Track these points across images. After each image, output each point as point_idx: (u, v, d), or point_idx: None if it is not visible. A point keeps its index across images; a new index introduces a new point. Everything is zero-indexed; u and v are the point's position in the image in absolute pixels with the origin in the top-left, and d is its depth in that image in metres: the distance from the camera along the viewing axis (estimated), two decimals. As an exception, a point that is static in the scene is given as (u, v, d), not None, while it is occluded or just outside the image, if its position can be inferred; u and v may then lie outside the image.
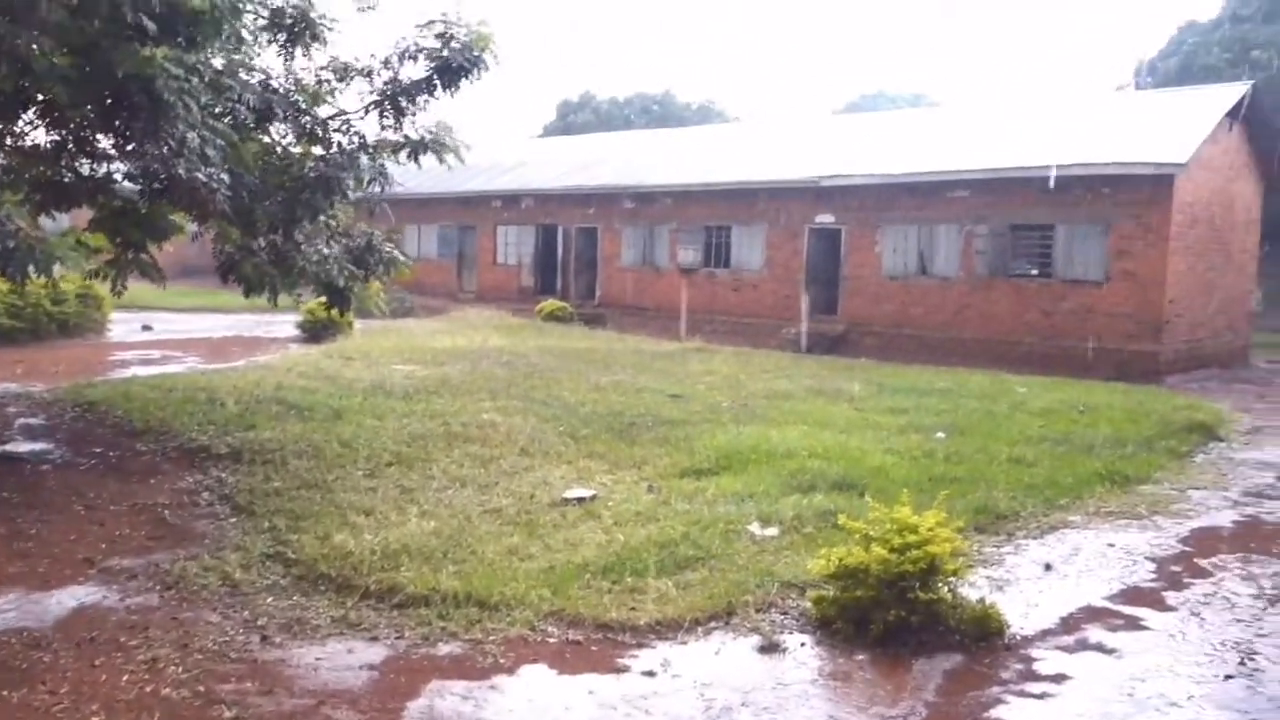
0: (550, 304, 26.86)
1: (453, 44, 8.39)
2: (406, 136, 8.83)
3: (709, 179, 26.64)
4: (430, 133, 8.78)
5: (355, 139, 8.93)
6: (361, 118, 9.01)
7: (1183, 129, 20.12)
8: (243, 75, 8.01)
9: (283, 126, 8.85)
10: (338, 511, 7.75)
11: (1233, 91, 21.90)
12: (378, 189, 9.12)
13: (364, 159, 8.69)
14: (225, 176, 7.07)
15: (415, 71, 8.94)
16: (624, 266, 28.53)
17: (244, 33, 8.30)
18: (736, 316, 25.11)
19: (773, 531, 7.50)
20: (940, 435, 11.42)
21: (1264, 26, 33.95)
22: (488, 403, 12.37)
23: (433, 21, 8.55)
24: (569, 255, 30.01)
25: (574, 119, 53.28)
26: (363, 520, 7.55)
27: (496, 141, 39.45)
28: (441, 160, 8.93)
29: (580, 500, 8.33)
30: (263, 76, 8.63)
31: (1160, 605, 6.37)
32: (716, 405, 13.05)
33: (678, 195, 27.05)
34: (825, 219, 23.92)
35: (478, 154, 32.70)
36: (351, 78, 9.15)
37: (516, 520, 7.75)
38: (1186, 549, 7.68)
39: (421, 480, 8.81)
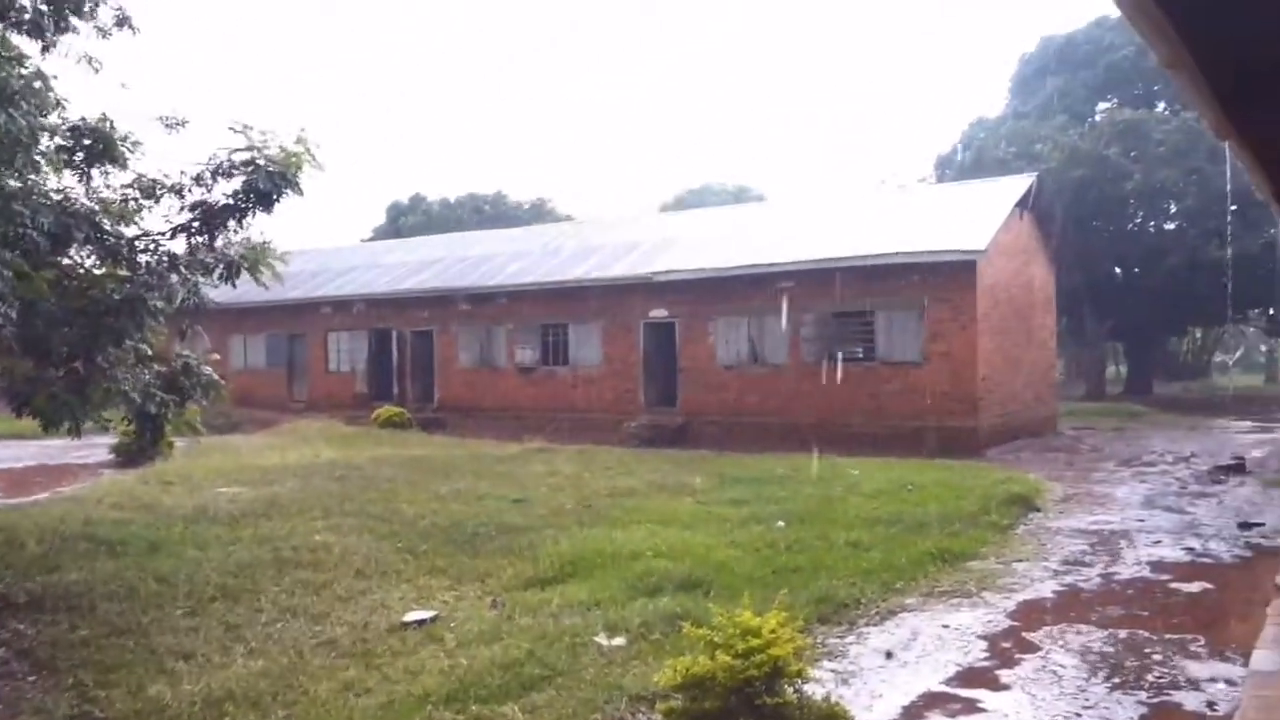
0: (386, 410, 26.22)
1: (265, 167, 8.16)
2: (220, 255, 8.47)
3: (544, 278, 26.85)
4: (244, 251, 8.46)
5: (164, 258, 8.51)
6: (170, 238, 8.61)
7: (981, 218, 21.71)
8: (36, 199, 7.54)
9: (84, 249, 8.37)
10: (153, 658, 7.16)
11: (1021, 183, 23.86)
12: (192, 308, 8.68)
13: (174, 278, 8.28)
14: (13, 313, 6.58)
15: (230, 186, 8.67)
16: (462, 369, 28.21)
17: (37, 157, 7.86)
18: (578, 413, 25.13)
19: (620, 641, 7.37)
20: (781, 524, 11.62)
21: (1042, 123, 37.28)
22: (320, 523, 11.84)
23: (244, 139, 8.29)
24: (405, 359, 29.48)
25: (404, 221, 52.96)
26: (182, 666, 6.99)
27: (325, 246, 38.70)
28: (257, 279, 8.61)
29: (421, 623, 7.99)
30: (61, 197, 8.17)
31: (995, 685, 6.57)
32: (560, 508, 12.91)
33: (513, 295, 27.11)
34: (659, 313, 24.42)
35: (305, 259, 32.04)
36: (161, 195, 8.77)
37: (353, 651, 7.35)
38: (1015, 624, 7.99)
39: (249, 615, 8.27)
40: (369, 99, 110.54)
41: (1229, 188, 29.29)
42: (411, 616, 8.14)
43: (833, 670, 6.83)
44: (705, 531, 11.13)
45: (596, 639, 7.40)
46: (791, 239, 23.97)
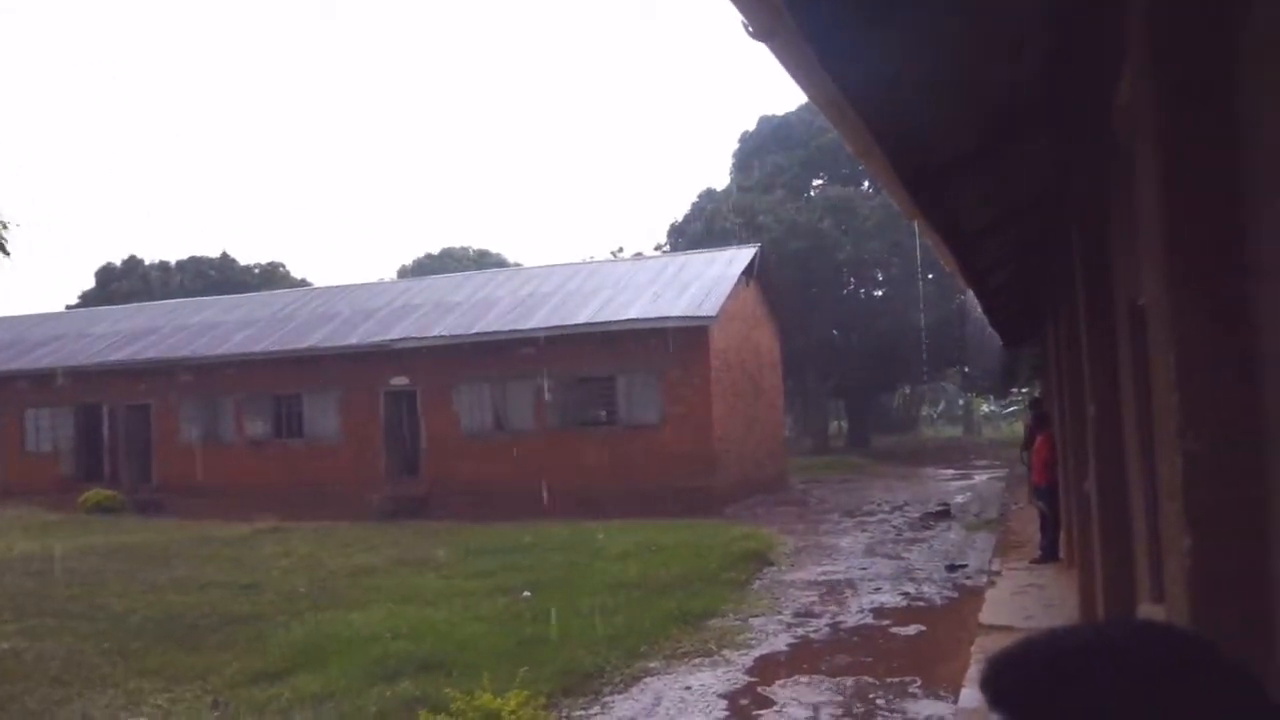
0: (96, 494, 23.85)
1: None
2: None
3: (275, 346, 25.51)
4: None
5: None
6: None
7: (711, 286, 22.85)
8: None
9: None
10: None
11: (746, 253, 25.36)
12: None
13: None
14: None
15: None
16: (184, 444, 26.14)
17: None
18: (315, 488, 23.83)
19: (356, 734, 6.97)
20: (526, 594, 11.49)
21: (764, 196, 39.93)
22: (11, 625, 10.52)
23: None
24: (117, 437, 26.97)
25: (118, 286, 48.81)
26: None
27: (21, 313, 34.94)
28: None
29: (128, 734, 7.21)
30: None
31: (734, 743, 6.74)
32: (293, 591, 12.15)
33: (241, 365, 25.55)
34: (400, 381, 23.80)
35: (-3, 329, 28.65)
36: None
37: (44, 776, 6.50)
38: (752, 679, 8.26)
39: (-89, 745, 7.15)
40: (75, 151, 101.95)
41: (918, 259, 32.49)
42: (117, 728, 7.33)
43: (578, 744, 6.76)
44: (448, 607, 10.82)
45: (330, 735, 6.96)
46: (534, 305, 24.18)
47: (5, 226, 7.67)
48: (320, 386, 24.64)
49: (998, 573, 11.33)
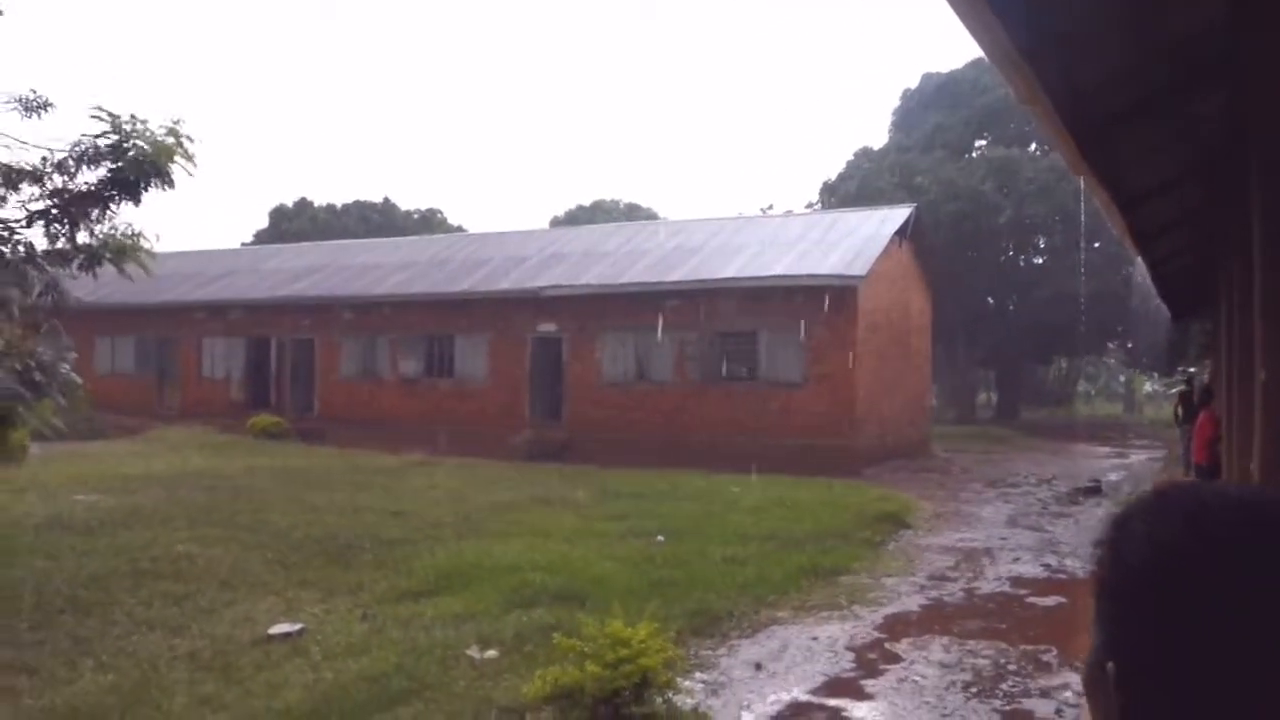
0: (263, 419, 25.43)
1: (129, 154, 7.81)
2: (81, 244, 8.06)
3: (430, 289, 26.47)
4: (107, 241, 8.08)
5: (21, 249, 8.07)
6: (26, 227, 8.17)
7: (862, 245, 22.39)
8: None
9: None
10: (-10, 674, 6.76)
11: (900, 213, 24.68)
12: (48, 302, 8.26)
13: (31, 271, 7.86)
14: None
15: (95, 175, 8.28)
16: (343, 378, 27.56)
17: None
18: (461, 427, 24.77)
19: (493, 653, 7.30)
20: (660, 539, 11.69)
21: (923, 156, 38.69)
22: (185, 533, 11.38)
23: (106, 123, 7.90)
24: (284, 368, 28.64)
25: (289, 226, 51.50)
26: (23, 682, 6.61)
27: (203, 248, 37.32)
28: (122, 271, 8.25)
29: (287, 636, 7.75)
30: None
31: (859, 694, 6.75)
32: (439, 521, 12.71)
33: (398, 305, 26.66)
34: (547, 328, 24.36)
35: (180, 262, 30.85)
36: (19, 182, 8.33)
37: (212, 665, 7.08)
38: (881, 635, 8.22)
39: (101, 627, 7.88)
40: (254, 98, 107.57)
41: (1083, 223, 30.93)
42: (277, 629, 7.89)
43: (703, 681, 6.91)
44: (585, 545, 11.12)
45: (469, 651, 7.32)
46: (680, 258, 24.26)
47: (191, 140, 8.17)
48: (471, 329, 25.48)
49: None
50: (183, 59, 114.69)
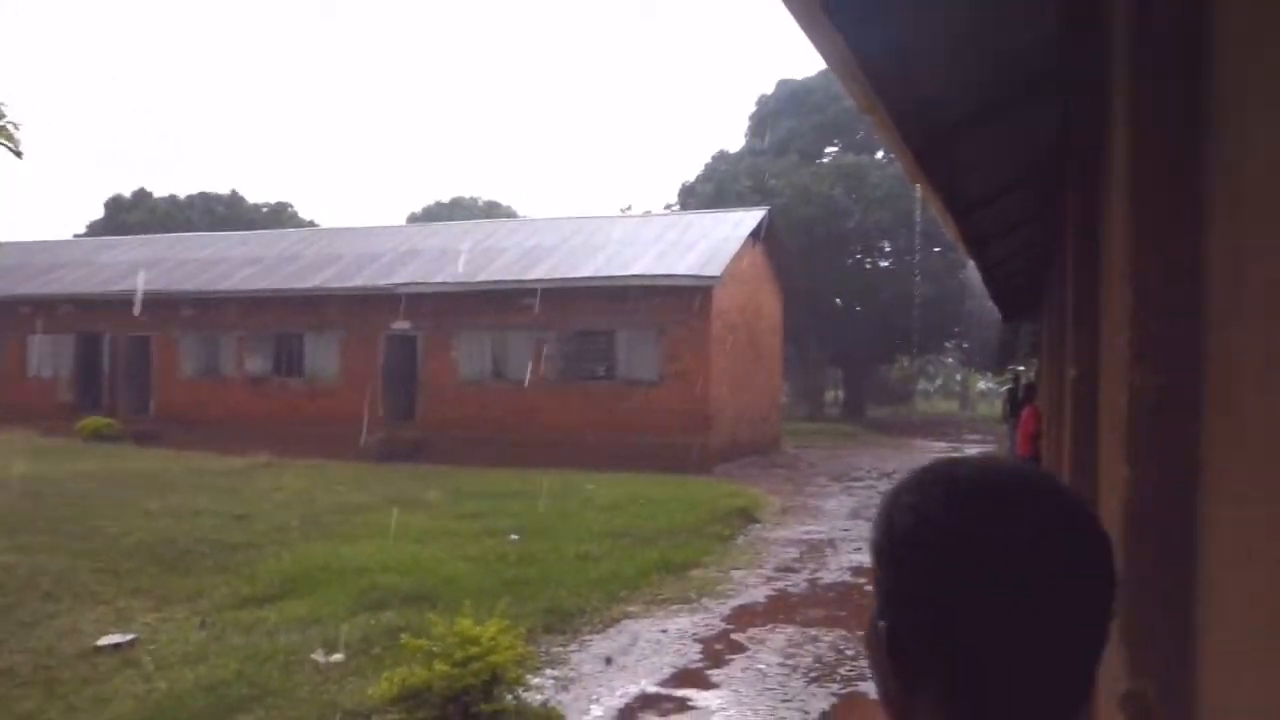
0: (94, 421, 24.06)
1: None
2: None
3: (280, 285, 25.58)
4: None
5: None
6: None
7: (718, 247, 22.84)
8: None
9: None
10: None
11: (754, 216, 25.30)
12: None
13: None
14: None
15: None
16: (184, 377, 26.32)
17: None
18: (312, 426, 24.01)
19: (339, 657, 7.14)
20: (514, 537, 11.66)
21: (777, 160, 39.75)
22: (4, 541, 10.67)
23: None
24: (117, 366, 27.14)
25: (127, 218, 48.74)
26: None
27: (29, 240, 34.91)
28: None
29: (117, 647, 7.37)
30: None
31: (705, 684, 6.91)
32: (285, 524, 12.31)
33: (245, 302, 25.64)
34: (402, 326, 23.89)
35: (2, 252, 28.69)
36: None
37: (32, 680, 6.67)
38: (728, 627, 8.43)
39: (-96, 645, 7.32)
40: (89, 83, 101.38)
41: (918, 229, 32.38)
42: (106, 640, 7.49)
43: (554, 677, 6.94)
44: (437, 546, 11.00)
45: (313, 656, 7.13)
46: (538, 257, 24.20)
47: (17, 127, 7.68)
48: (323, 327, 24.75)
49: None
50: (9, 38, 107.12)
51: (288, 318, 25.14)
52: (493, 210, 55.42)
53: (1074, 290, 5.63)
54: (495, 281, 23.09)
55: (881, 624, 0.87)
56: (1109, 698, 2.30)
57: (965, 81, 5.63)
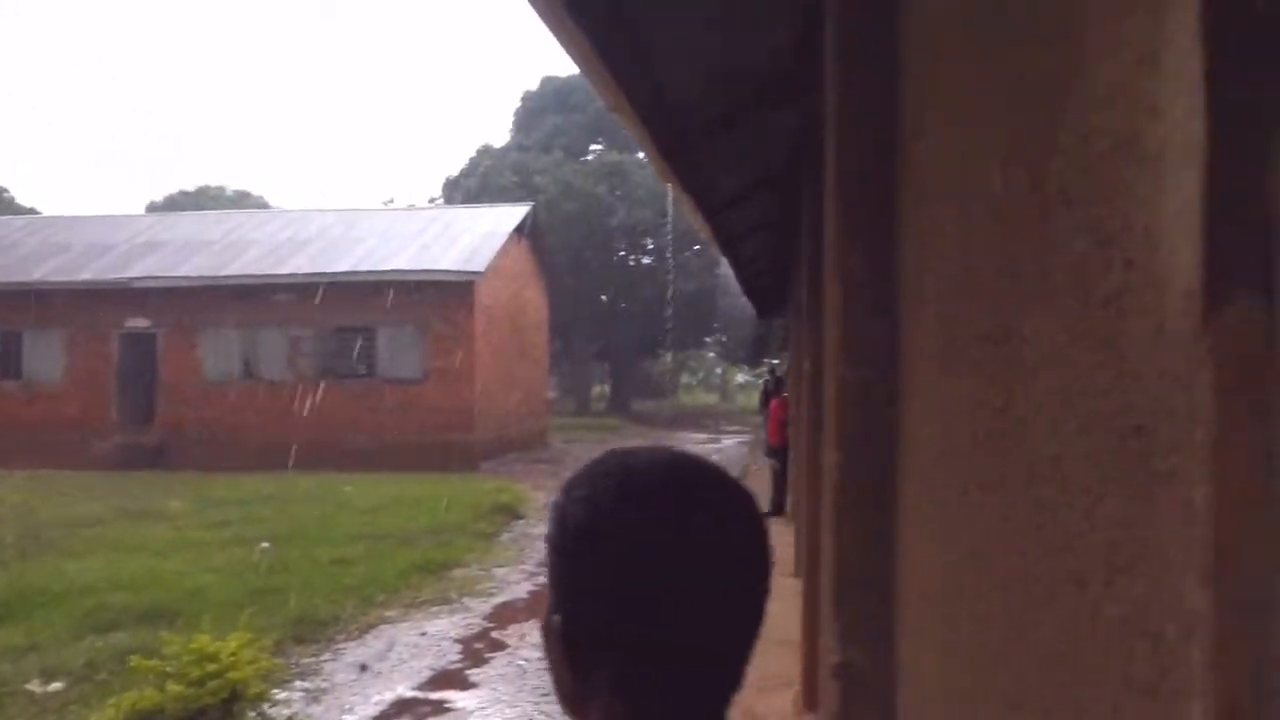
0: None
1: None
2: None
3: (-9, 277, 23.03)
4: None
5: None
6: None
7: (482, 241, 22.63)
8: None
9: None
10: None
11: (519, 211, 25.26)
12: None
13: None
14: None
15: None
16: (-126, 381, 23.21)
17: None
18: (34, 433, 21.76)
19: (58, 685, 6.51)
20: (265, 545, 11.06)
21: (542, 156, 39.88)
22: None
23: None
24: None
25: None
26: None
27: None
28: None
29: None
30: None
31: (464, 685, 6.83)
32: (-2, 541, 11.12)
33: (-51, 295, 22.92)
34: (139, 323, 22.13)
35: None
36: None
37: None
38: (489, 625, 8.38)
39: None
40: None
41: (670, 226, 33.43)
42: None
43: (305, 689, 6.64)
44: (178, 558, 10.28)
45: (29, 686, 6.48)
46: (292, 250, 23.07)
47: None
48: (44, 324, 22.47)
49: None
50: None
51: (3, 314, 22.65)
52: (243, 200, 52.41)
53: (806, 288, 5.98)
54: (245, 275, 21.81)
55: (556, 618, 0.87)
56: (824, 669, 2.45)
57: (710, 85, 5.84)
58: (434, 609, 8.87)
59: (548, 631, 0.90)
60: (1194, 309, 0.58)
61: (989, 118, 1.18)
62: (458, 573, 10.31)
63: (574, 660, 0.86)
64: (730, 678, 0.87)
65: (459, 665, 7.26)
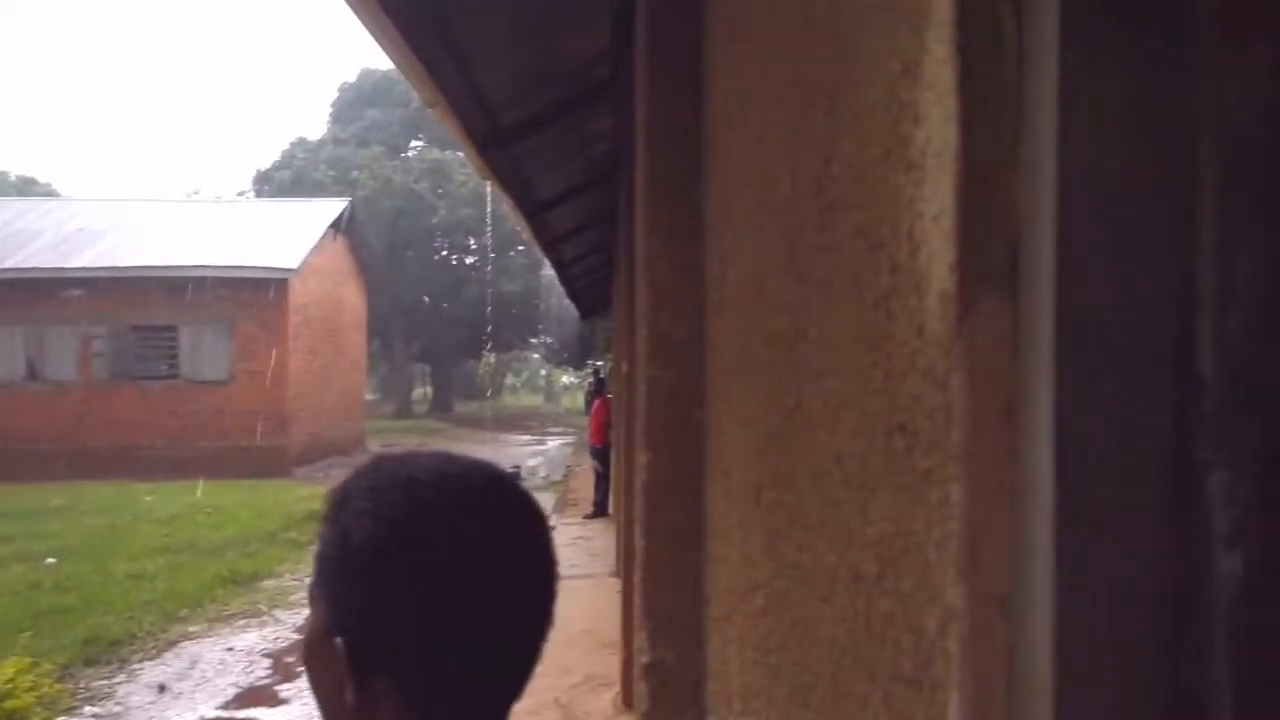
0: None
1: None
2: None
3: None
4: None
5: None
6: None
7: (295, 237, 21.71)
8: None
9: None
10: None
11: (336, 206, 24.39)
12: None
13: None
14: None
15: None
16: None
17: None
18: None
19: None
20: (50, 561, 10.25)
21: (361, 151, 38.68)
22: None
23: None
24: None
25: None
26: None
27: None
28: None
29: None
30: None
31: (274, 701, 6.52)
32: None
33: None
34: (-99, 320, 20.06)
35: None
36: None
37: None
38: (301, 638, 8.04)
39: None
40: None
41: (489, 225, 33.13)
42: None
43: (95, 715, 6.18)
44: (-53, 580, 9.39)
45: None
46: (84, 242, 21.43)
47: None
48: None
49: (552, 528, 11.97)
50: None
51: None
52: (28, 188, 48.41)
53: (624, 290, 6.04)
54: (28, 269, 20.12)
55: (339, 640, 0.83)
56: (636, 669, 2.46)
57: (528, 85, 5.80)
58: (242, 622, 8.45)
59: (321, 653, 0.86)
60: (950, 311, 0.60)
61: (781, 123, 1.20)
62: (268, 584, 9.85)
63: (359, 678, 0.82)
64: (521, 679, 0.87)
65: (268, 681, 6.93)
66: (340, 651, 0.83)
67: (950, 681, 0.61)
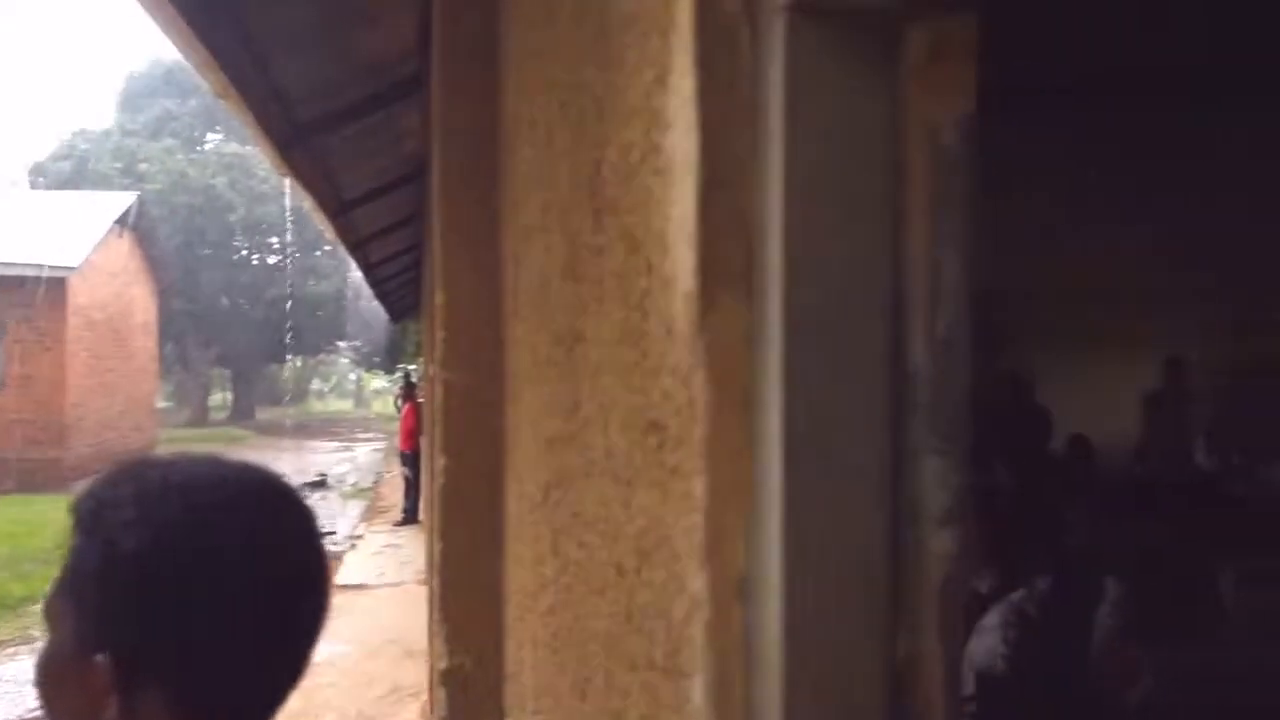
0: None
1: None
2: None
3: None
4: None
5: None
6: None
7: (76, 233, 20.19)
8: None
9: None
10: None
11: (123, 200, 22.86)
12: None
13: None
14: None
15: None
16: None
17: None
18: None
19: None
20: None
21: (151, 143, 36.36)
22: None
23: None
24: None
25: None
26: None
27: None
28: None
29: None
30: None
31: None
32: None
33: None
34: None
35: None
36: None
37: None
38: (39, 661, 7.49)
39: None
40: None
41: (289, 223, 31.90)
42: None
43: None
44: None
45: None
46: None
47: None
48: None
49: (360, 536, 11.66)
50: None
51: None
52: None
53: (429, 299, 5.95)
54: None
55: (101, 657, 0.79)
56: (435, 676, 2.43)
57: (330, 78, 5.62)
58: (13, 649, 7.80)
59: (73, 672, 0.82)
60: (693, 310, 0.63)
61: (561, 126, 1.22)
62: (40, 607, 9.10)
63: (124, 693, 0.79)
64: (290, 683, 0.87)
65: (40, 713, 6.40)
66: (103, 668, 0.80)
67: (695, 668, 0.64)
